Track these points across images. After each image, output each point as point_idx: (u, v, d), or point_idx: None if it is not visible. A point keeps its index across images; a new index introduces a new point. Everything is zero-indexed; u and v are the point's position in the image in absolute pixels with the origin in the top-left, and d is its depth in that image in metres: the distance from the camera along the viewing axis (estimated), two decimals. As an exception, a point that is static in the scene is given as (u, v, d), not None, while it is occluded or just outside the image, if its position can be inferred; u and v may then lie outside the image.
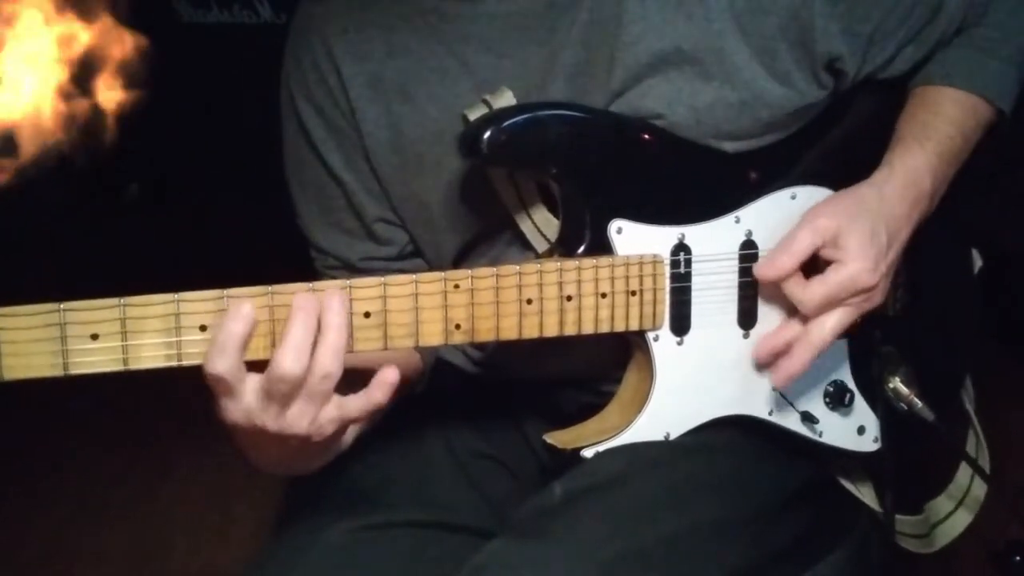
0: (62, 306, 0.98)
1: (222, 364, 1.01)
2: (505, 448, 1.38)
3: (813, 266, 1.22)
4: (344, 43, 1.28)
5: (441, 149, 1.26)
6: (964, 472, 1.47)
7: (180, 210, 3.60)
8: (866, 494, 1.38)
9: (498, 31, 1.24)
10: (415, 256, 1.37)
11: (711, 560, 1.15)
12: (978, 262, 1.45)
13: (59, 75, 1.03)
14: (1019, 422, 1.59)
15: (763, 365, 1.25)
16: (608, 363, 1.28)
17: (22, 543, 2.41)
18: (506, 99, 1.20)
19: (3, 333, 0.96)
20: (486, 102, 1.20)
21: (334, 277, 1.36)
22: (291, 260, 1.45)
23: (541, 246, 1.25)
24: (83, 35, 1.04)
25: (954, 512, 1.47)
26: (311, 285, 1.06)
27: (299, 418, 1.05)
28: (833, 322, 1.20)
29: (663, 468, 1.20)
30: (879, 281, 1.20)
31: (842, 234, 1.19)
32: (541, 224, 1.24)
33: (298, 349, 1.02)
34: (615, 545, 1.10)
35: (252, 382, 1.04)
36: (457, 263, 1.34)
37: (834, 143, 1.31)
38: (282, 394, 1.03)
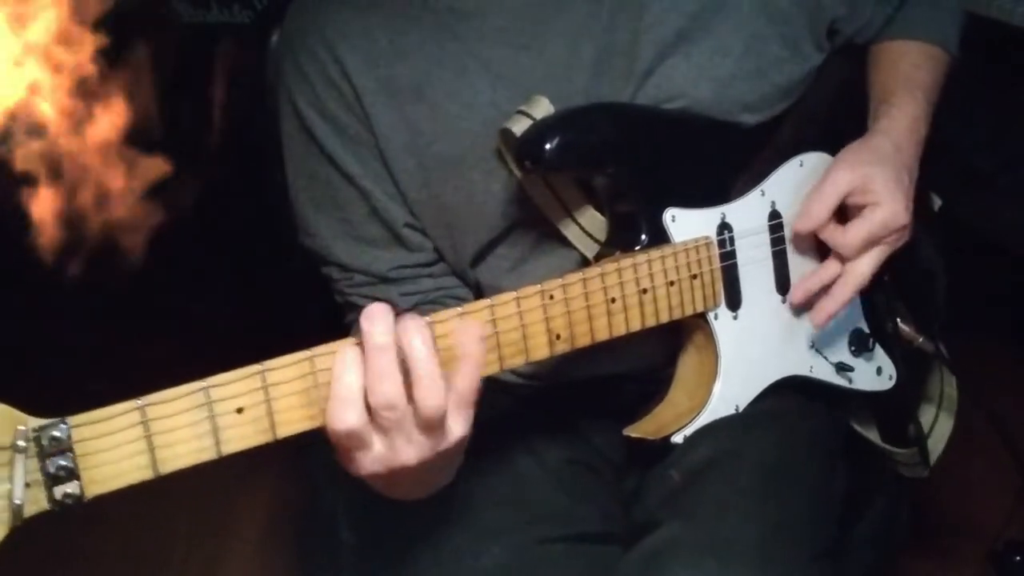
0: (206, 384, 0.91)
1: (352, 416, 0.94)
2: (579, 450, 1.38)
3: (841, 219, 1.30)
4: (351, 49, 1.25)
5: (462, 148, 1.25)
6: (935, 377, 1.56)
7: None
8: (873, 436, 1.47)
9: (514, 23, 1.24)
10: (444, 261, 1.35)
11: (828, 510, 1.22)
12: (937, 202, 1.57)
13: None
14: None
15: (798, 307, 1.32)
16: (655, 351, 1.31)
17: (22, 543, 2.21)
18: (544, 106, 1.20)
19: (153, 424, 0.89)
20: (524, 112, 1.20)
21: (363, 295, 1.33)
22: (294, 259, 1.40)
23: (590, 249, 1.26)
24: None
25: (937, 418, 1.55)
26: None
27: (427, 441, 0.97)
28: (870, 260, 1.28)
29: (752, 438, 1.24)
30: (910, 220, 1.29)
31: (870, 179, 1.26)
32: (588, 225, 1.25)
33: (383, 374, 0.94)
34: (767, 510, 1.14)
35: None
36: (476, 263, 1.33)
37: (821, 109, 1.39)
38: (396, 420, 0.95)
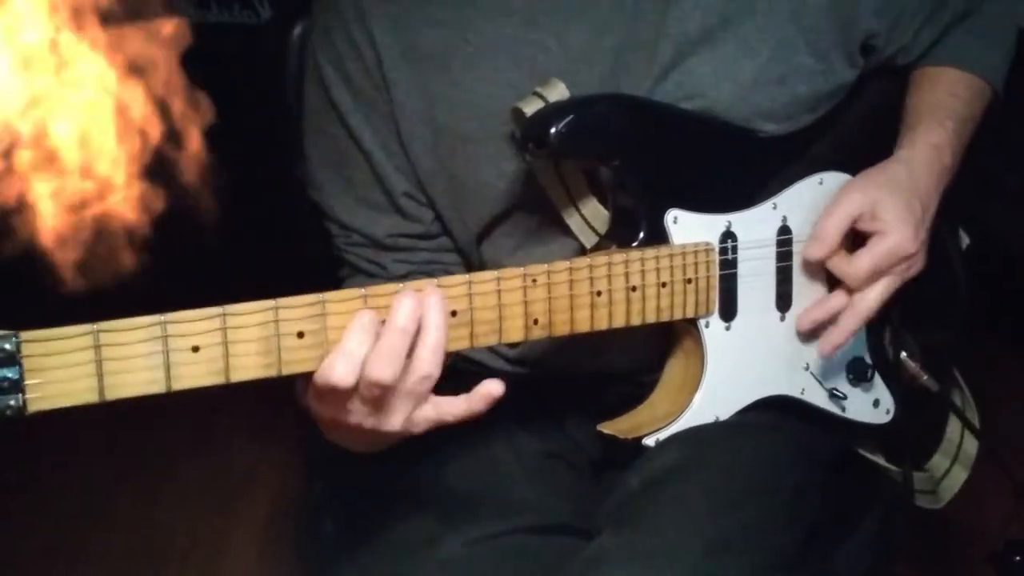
0: (164, 318, 0.92)
1: (351, 376, 0.98)
2: (558, 444, 1.37)
3: (852, 247, 1.27)
4: (380, 12, 1.25)
5: (474, 123, 1.25)
6: (954, 426, 1.53)
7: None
8: (880, 461, 1.44)
9: (541, 5, 1.23)
10: (442, 235, 1.35)
11: (791, 526, 1.19)
12: (965, 239, 1.53)
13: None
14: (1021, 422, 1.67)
15: (805, 336, 1.30)
16: (645, 353, 1.30)
17: (23, 543, 2.32)
18: (559, 91, 1.19)
19: (105, 350, 0.90)
20: (539, 95, 1.19)
21: (359, 255, 1.34)
22: (295, 262, 1.41)
23: (589, 239, 1.25)
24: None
25: (951, 469, 1.53)
26: (405, 284, 1.03)
27: (393, 416, 1.02)
28: (878, 291, 1.25)
29: (726, 447, 1.22)
30: (919, 249, 1.26)
31: (879, 206, 1.24)
32: (590, 216, 1.24)
33: (391, 354, 0.99)
34: (715, 522, 1.12)
35: None
36: (482, 239, 1.33)
37: (852, 129, 1.36)
38: (375, 397, 1.00)
